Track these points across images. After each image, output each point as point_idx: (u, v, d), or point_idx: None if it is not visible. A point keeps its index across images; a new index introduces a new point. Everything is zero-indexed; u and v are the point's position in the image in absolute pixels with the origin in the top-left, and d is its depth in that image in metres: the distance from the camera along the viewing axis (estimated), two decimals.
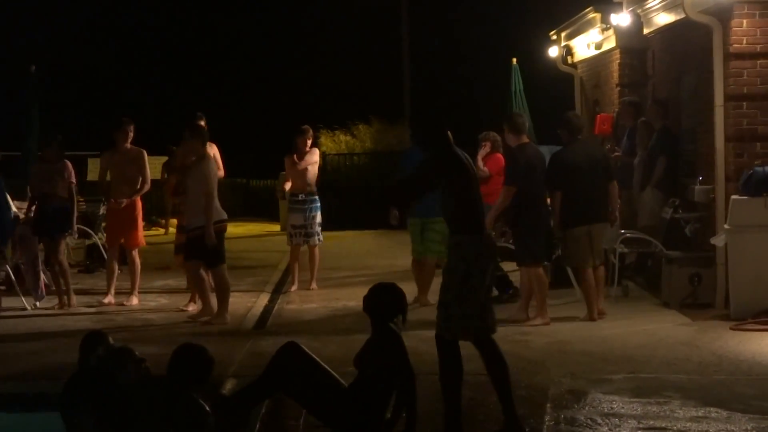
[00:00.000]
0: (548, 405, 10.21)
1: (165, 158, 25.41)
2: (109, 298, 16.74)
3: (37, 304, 16.65)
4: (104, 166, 17.15)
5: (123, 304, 16.58)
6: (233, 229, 18.11)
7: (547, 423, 9.70)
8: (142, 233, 17.32)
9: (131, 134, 16.83)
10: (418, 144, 10.32)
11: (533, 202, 14.57)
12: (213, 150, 18.23)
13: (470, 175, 9.71)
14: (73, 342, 13.87)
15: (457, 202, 9.47)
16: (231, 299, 17.00)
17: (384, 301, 9.59)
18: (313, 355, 9.47)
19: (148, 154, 17.47)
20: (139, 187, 16.74)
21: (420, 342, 10.83)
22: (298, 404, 9.43)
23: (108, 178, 17.07)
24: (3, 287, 17.15)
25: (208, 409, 8.13)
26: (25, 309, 16.54)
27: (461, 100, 39.48)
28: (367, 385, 9.34)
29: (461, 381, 9.29)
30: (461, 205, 9.46)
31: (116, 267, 16.97)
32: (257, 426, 9.24)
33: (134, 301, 16.74)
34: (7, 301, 16.73)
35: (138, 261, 16.97)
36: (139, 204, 17.01)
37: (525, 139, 15.22)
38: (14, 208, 17.42)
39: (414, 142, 10.24)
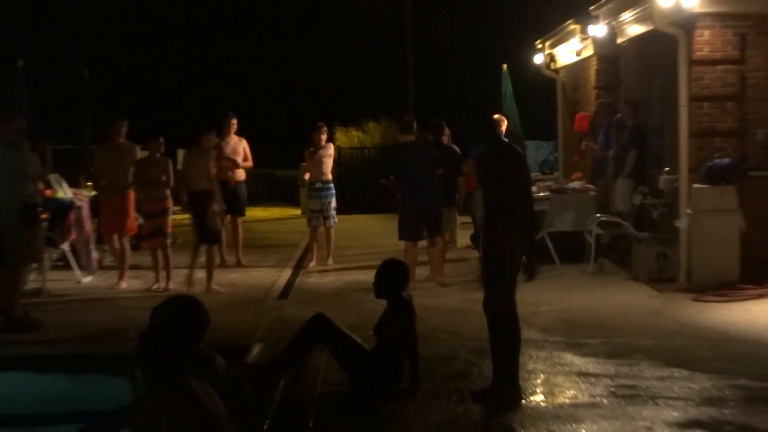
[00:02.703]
0: (530, 365, 10.27)
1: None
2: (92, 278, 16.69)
3: (90, 278, 16.73)
4: (99, 158, 16.78)
5: (112, 288, 16.20)
6: (260, 212, 18.15)
7: (531, 381, 9.76)
8: (134, 222, 16.85)
9: (125, 129, 16.41)
10: (475, 137, 9.85)
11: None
12: (243, 144, 18.30)
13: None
14: (120, 308, 14.11)
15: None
16: (258, 273, 17.17)
17: (393, 274, 9.69)
18: (338, 324, 9.59)
19: (185, 147, 17.37)
20: (130, 180, 16.30)
21: (422, 311, 10.83)
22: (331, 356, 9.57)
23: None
24: (60, 263, 17.17)
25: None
26: (79, 282, 16.63)
27: (458, 100, 39.41)
28: (386, 350, 9.45)
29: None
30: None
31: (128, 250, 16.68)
32: (281, 385, 9.30)
33: (123, 285, 16.24)
34: (65, 275, 16.81)
35: (128, 247, 16.66)
36: (131, 195, 16.52)
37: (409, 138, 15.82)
38: (70, 194, 17.47)
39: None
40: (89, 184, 20.07)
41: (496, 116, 19.21)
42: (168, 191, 16.33)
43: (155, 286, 15.83)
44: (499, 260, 9.10)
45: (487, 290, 9.17)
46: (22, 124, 13.87)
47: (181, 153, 31.92)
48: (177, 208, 17.06)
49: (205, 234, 15.94)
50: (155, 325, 7.78)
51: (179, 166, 25.94)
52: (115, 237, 16.48)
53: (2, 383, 10.90)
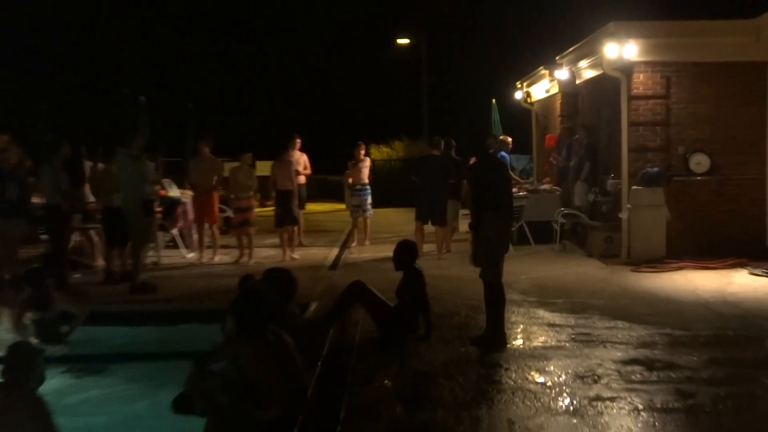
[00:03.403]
0: (513, 318, 10.25)
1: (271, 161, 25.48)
2: (197, 255, 16.52)
3: (192, 254, 16.79)
4: (192, 167, 16.61)
5: (210, 260, 16.13)
6: (316, 207, 18.17)
7: (513, 330, 9.75)
8: (216, 215, 16.57)
9: (209, 147, 16.33)
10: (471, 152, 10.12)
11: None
12: (304, 157, 18.32)
13: None
14: (214, 277, 14.16)
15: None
16: (314, 250, 17.18)
17: (407, 251, 9.73)
18: (371, 288, 9.61)
19: (259, 160, 17.48)
20: (213, 182, 16.18)
21: (433, 279, 10.82)
22: (366, 312, 9.60)
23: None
24: (171, 243, 17.24)
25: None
26: (184, 257, 16.69)
27: (460, 124, 39.38)
28: (405, 307, 9.47)
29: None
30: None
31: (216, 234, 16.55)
32: (330, 333, 9.32)
33: (216, 258, 16.21)
34: (174, 252, 16.87)
35: (217, 233, 16.54)
36: (215, 195, 16.35)
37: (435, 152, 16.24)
38: (178, 193, 17.53)
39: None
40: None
41: (502, 137, 19.66)
42: (251, 192, 16.36)
43: (242, 260, 15.83)
44: (487, 242, 9.11)
45: (480, 265, 9.18)
46: (143, 143, 13.93)
47: (259, 164, 32.08)
48: (268, 202, 17.27)
49: (287, 219, 16.49)
50: (246, 289, 7.82)
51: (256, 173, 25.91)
52: (205, 225, 16.42)
53: (131, 331, 11.00)
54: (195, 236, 17.18)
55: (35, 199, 16.49)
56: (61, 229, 13.56)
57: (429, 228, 16.40)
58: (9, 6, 51.57)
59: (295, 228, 17.15)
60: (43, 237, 15.13)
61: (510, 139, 20.14)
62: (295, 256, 16.42)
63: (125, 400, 8.62)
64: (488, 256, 9.09)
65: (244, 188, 16.21)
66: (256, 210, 17.70)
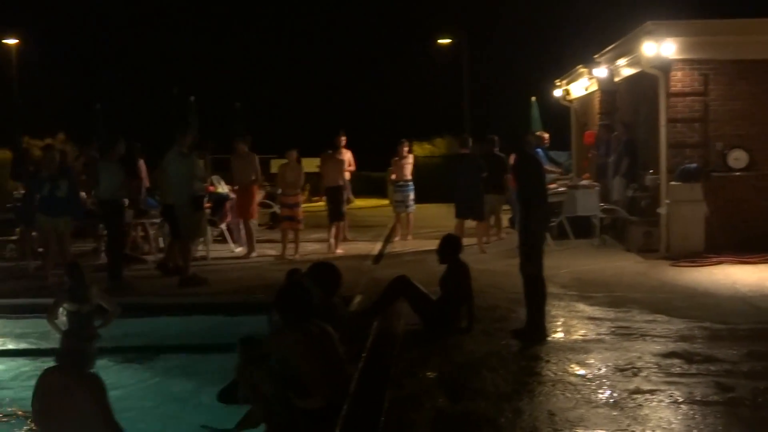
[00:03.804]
0: (553, 311, 10.17)
1: (318, 159, 25.55)
2: (242, 249, 16.45)
3: (240, 249, 16.85)
4: (232, 164, 16.62)
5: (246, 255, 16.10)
6: (360, 203, 18.19)
7: (553, 323, 9.67)
8: (255, 210, 16.55)
9: (246, 144, 16.33)
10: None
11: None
12: (348, 154, 18.33)
13: None
14: (260, 270, 14.19)
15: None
16: (358, 245, 17.16)
17: (451, 245, 9.71)
18: (414, 281, 9.59)
19: (306, 156, 17.51)
20: (253, 177, 16.16)
21: (475, 272, 10.75)
22: (409, 305, 9.57)
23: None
24: (219, 238, 17.31)
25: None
26: (233, 251, 16.76)
27: (501, 121, 39.29)
28: (447, 300, 9.45)
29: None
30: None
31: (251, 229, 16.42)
32: (374, 325, 9.30)
33: (253, 254, 16.08)
34: (222, 247, 16.93)
35: (252, 227, 16.41)
36: (253, 190, 16.30)
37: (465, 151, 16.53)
38: (226, 189, 17.59)
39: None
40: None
41: (538, 133, 19.62)
42: (299, 188, 16.36)
43: (287, 255, 15.83)
44: (531, 236, 9.07)
45: (522, 258, 9.13)
46: (192, 141, 14.00)
47: (305, 160, 32.15)
48: (315, 198, 17.32)
49: (337, 214, 16.69)
50: (290, 283, 7.81)
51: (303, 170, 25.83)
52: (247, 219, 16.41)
53: (181, 322, 11.06)
54: (243, 231, 17.24)
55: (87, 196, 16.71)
56: (118, 225, 13.65)
57: (471, 224, 16.45)
58: (66, 11, 52.23)
59: (342, 223, 17.23)
60: (96, 233, 15.31)
61: (546, 135, 20.16)
62: (339, 250, 16.43)
63: (172, 389, 8.66)
64: (531, 251, 9.04)
65: (291, 184, 16.19)
66: (304, 206, 17.72)
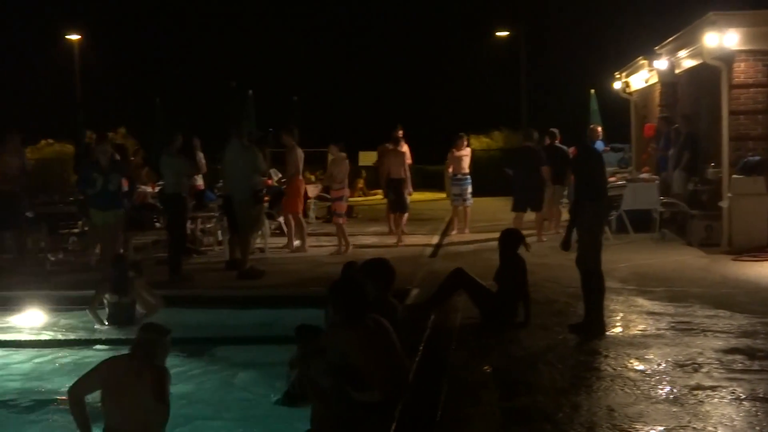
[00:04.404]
0: (612, 306, 10.07)
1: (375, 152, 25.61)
2: (296, 244, 16.32)
3: (298, 242, 16.91)
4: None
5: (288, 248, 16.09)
6: (416, 196, 18.19)
7: (612, 317, 9.58)
8: (298, 203, 16.29)
9: (290, 136, 16.11)
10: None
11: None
12: (404, 147, 18.31)
13: None
14: (317, 263, 14.25)
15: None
16: (414, 239, 17.18)
17: (510, 239, 9.68)
18: (472, 274, 9.58)
19: (363, 150, 17.53)
20: (293, 171, 16.01)
21: (532, 266, 10.69)
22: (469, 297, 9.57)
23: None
24: (277, 231, 17.40)
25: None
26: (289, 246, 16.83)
27: (560, 114, 39.01)
28: (504, 294, 9.42)
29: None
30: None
31: (299, 221, 16.43)
32: (432, 318, 9.29)
33: (293, 245, 16.16)
34: (280, 239, 17.00)
35: (292, 221, 16.30)
36: (297, 182, 16.10)
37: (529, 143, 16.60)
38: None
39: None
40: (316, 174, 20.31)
41: (592, 126, 19.50)
42: (340, 182, 16.30)
43: (342, 249, 15.82)
44: (588, 231, 9.00)
45: (579, 252, 9.06)
46: (254, 135, 14.10)
47: (362, 153, 32.18)
48: (373, 191, 17.32)
49: (401, 206, 17.06)
50: (343, 278, 7.82)
51: (359, 164, 25.94)
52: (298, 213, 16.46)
53: (239, 314, 11.16)
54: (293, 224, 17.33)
55: (149, 188, 16.92)
56: (180, 217, 13.77)
57: (529, 217, 16.44)
58: (126, 7, 52.92)
59: (405, 215, 17.43)
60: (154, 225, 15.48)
61: (600, 129, 20.03)
62: (401, 241, 16.63)
63: (229, 380, 8.74)
64: (589, 244, 8.96)
65: (334, 178, 16.27)
66: (360, 199, 17.76)
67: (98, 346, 9.74)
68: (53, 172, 25.64)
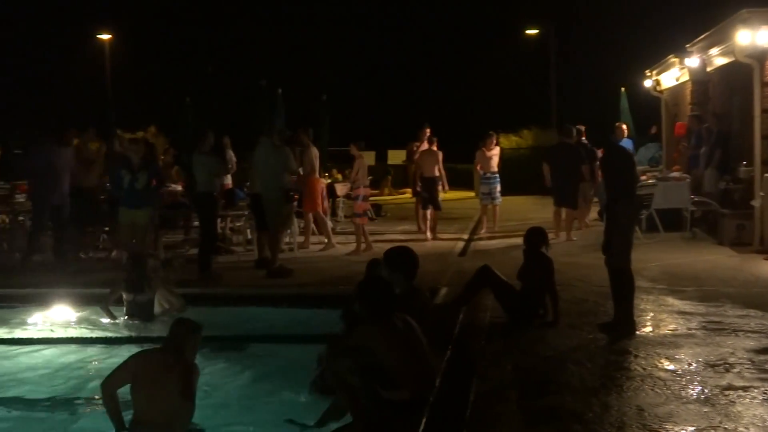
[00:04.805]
0: (642, 305, 10.02)
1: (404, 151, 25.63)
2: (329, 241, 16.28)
3: (326, 241, 16.93)
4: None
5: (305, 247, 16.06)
6: (444, 195, 18.13)
7: (642, 317, 9.53)
8: (316, 202, 16.19)
9: (306, 135, 16.08)
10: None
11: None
12: (434, 146, 18.34)
13: None
14: (346, 262, 14.27)
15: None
16: (444, 237, 17.17)
17: (534, 237, 9.67)
18: (499, 273, 9.56)
19: (392, 149, 17.54)
20: (309, 170, 15.94)
21: (562, 266, 10.66)
22: (493, 295, 9.55)
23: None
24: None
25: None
26: (322, 243, 16.85)
27: (586, 113, 38.80)
28: (529, 293, 9.40)
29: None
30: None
31: (321, 219, 16.47)
32: (460, 316, 9.29)
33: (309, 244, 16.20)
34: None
35: (312, 219, 16.34)
36: (313, 182, 16.03)
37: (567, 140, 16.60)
38: None
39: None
40: (326, 174, 20.30)
41: (617, 124, 19.41)
42: (360, 182, 16.27)
43: (360, 248, 15.71)
44: (619, 230, 8.96)
45: (609, 251, 9.02)
46: (286, 134, 14.15)
47: (391, 152, 32.19)
48: (404, 190, 17.28)
49: (431, 203, 17.24)
50: (370, 277, 7.84)
51: (388, 162, 25.89)
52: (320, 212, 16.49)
53: (268, 313, 11.19)
54: (330, 223, 17.35)
55: (179, 187, 17.01)
56: (212, 215, 13.84)
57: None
58: (156, 6, 53.20)
59: (437, 212, 17.58)
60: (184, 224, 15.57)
61: (624, 127, 20.01)
62: (431, 237, 16.91)
63: (258, 378, 8.77)
64: (620, 244, 8.93)
65: (355, 178, 16.30)
66: (389, 198, 17.79)
67: (112, 345, 9.86)
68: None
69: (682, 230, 16.18)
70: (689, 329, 8.97)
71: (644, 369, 7.53)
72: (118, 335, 10.35)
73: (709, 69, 17.72)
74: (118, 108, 36.35)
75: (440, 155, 17.83)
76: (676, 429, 6.07)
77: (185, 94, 30.09)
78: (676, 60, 20.28)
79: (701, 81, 19.31)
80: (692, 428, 6.08)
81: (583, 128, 17.33)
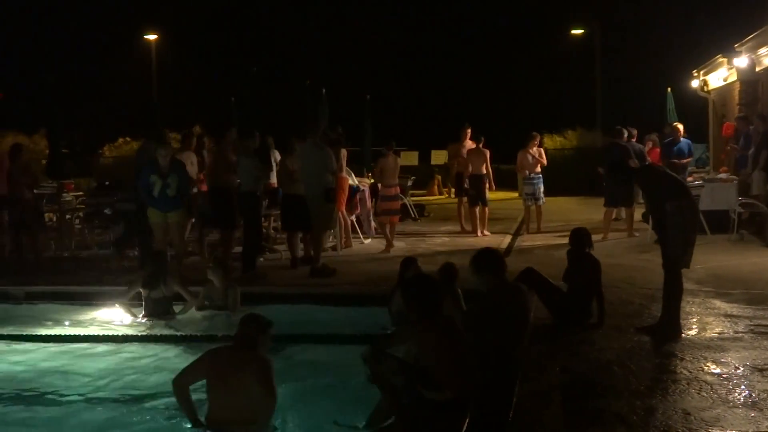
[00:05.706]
0: (688, 308, 9.92)
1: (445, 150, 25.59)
2: (369, 240, 16.38)
3: (369, 240, 16.96)
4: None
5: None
6: (489, 194, 18.10)
7: (688, 320, 9.44)
8: (342, 201, 15.78)
9: (335, 134, 15.81)
10: None
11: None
12: (473, 145, 18.33)
13: None
14: (389, 261, 14.26)
15: None
16: (488, 237, 17.13)
17: (578, 238, 9.62)
18: (543, 274, 9.52)
19: (436, 149, 17.53)
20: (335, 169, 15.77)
21: (607, 267, 10.57)
22: (538, 297, 9.50)
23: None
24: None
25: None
26: (362, 242, 16.88)
27: (635, 115, 38.52)
28: (575, 294, 9.35)
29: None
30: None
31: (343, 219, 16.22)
32: None
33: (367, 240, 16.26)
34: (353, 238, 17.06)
35: (338, 219, 15.89)
36: (342, 182, 15.62)
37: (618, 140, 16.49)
38: (356, 182, 17.71)
39: None
40: (369, 174, 20.32)
41: (674, 124, 19.33)
42: (395, 181, 16.38)
43: (388, 249, 15.71)
44: (679, 231, 8.83)
45: (670, 254, 8.93)
46: (328, 135, 14.18)
47: (434, 153, 32.13)
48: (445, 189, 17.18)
49: (479, 200, 17.75)
50: (418, 275, 7.80)
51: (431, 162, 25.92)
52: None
53: (311, 312, 11.22)
54: (373, 223, 17.38)
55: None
56: (256, 215, 13.92)
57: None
58: (202, 7, 53.58)
59: (485, 209, 17.91)
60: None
61: (681, 127, 19.78)
62: (486, 233, 17.32)
63: (301, 378, 8.75)
64: (671, 246, 8.84)
65: (389, 177, 16.26)
66: (432, 198, 17.79)
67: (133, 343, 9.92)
68: (130, 169, 26.02)
69: (729, 232, 16.00)
70: (736, 332, 8.87)
71: (690, 372, 7.45)
72: (193, 333, 10.37)
73: (758, 69, 17.54)
74: (164, 108, 36.69)
75: (488, 153, 17.99)
76: None
77: (230, 94, 30.31)
78: (724, 60, 20.12)
79: (750, 81, 19.13)
80: None
81: (634, 131, 17.41)
